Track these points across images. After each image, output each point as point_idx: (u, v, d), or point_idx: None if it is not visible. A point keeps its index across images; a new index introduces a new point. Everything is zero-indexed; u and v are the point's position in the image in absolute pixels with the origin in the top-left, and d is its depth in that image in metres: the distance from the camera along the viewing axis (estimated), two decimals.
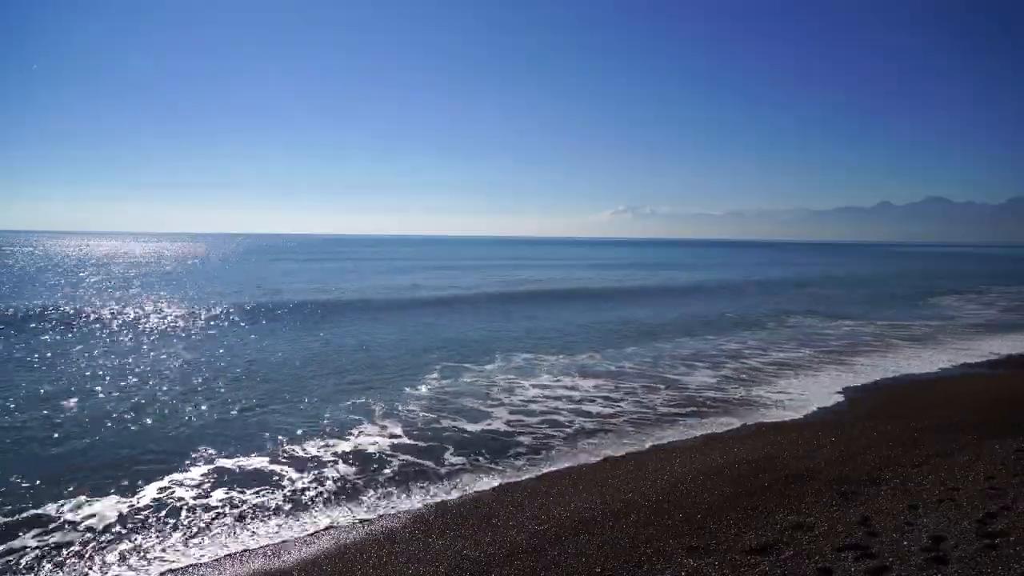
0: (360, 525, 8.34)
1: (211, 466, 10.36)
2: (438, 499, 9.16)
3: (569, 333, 24.88)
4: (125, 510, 8.71)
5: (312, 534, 8.11)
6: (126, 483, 9.60)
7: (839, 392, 15.35)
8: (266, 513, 8.71)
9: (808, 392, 15.35)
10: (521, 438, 11.90)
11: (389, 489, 9.58)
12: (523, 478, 9.95)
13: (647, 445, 11.51)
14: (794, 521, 7.50)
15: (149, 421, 12.72)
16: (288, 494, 9.33)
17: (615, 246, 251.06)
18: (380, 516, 8.62)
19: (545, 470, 10.31)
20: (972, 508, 7.55)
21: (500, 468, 10.43)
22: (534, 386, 15.87)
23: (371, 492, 9.45)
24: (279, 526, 8.34)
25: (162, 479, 9.81)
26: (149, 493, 9.30)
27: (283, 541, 7.90)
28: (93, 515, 8.54)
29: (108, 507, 8.79)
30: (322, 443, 11.45)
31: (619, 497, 8.75)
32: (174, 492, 9.36)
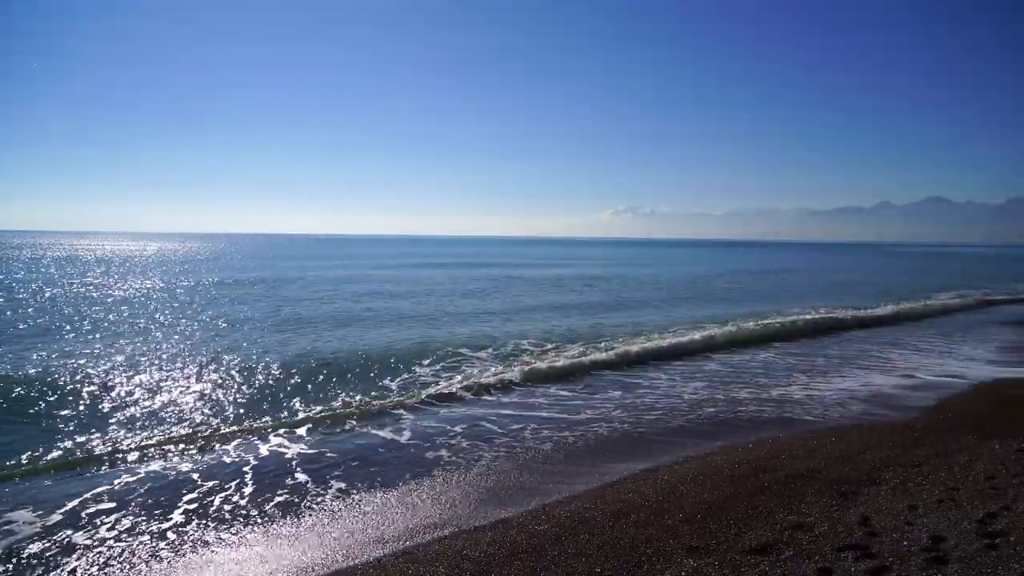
0: None
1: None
2: None
3: None
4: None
5: None
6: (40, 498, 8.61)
7: None
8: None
9: None
10: None
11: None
12: None
13: None
14: (794, 521, 7.50)
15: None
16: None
17: (637, 246, 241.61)
18: None
19: None
20: (972, 508, 7.55)
21: None
22: None
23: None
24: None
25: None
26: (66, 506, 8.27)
27: None
28: None
29: None
30: None
31: (619, 497, 8.75)
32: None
